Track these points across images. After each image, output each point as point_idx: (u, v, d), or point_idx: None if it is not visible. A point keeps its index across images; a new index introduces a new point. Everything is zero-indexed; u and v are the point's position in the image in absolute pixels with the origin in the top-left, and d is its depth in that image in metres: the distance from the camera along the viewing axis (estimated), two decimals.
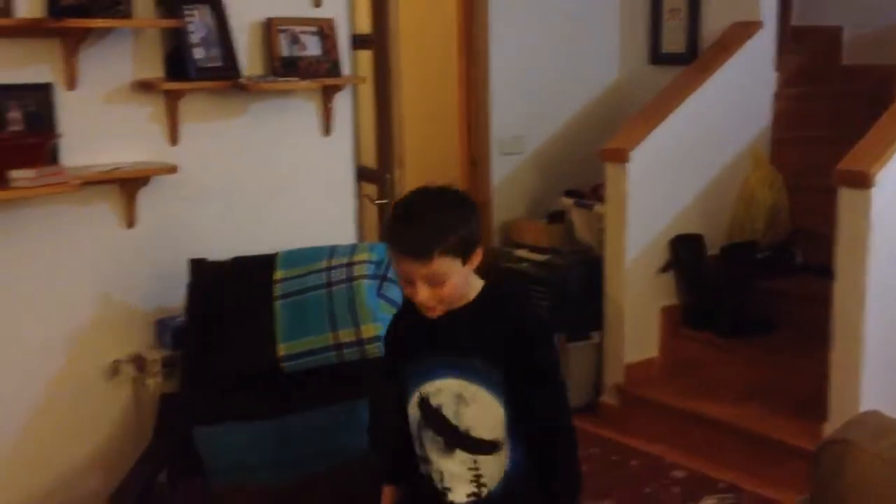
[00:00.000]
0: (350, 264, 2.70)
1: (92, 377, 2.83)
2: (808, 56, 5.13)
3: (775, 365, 3.90)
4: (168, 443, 2.56)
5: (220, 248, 2.97)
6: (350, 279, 2.66)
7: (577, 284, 4.30)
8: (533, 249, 4.55)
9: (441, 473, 1.80)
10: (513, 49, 4.67)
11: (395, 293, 2.70)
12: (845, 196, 3.22)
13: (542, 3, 4.77)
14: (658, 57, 5.04)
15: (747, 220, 4.40)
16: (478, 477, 1.78)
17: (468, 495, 1.79)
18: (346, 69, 3.31)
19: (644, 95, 4.64)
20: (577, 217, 4.47)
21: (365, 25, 3.72)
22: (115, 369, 2.84)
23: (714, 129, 4.38)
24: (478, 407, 1.75)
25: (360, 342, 2.60)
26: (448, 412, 1.78)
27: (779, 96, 4.71)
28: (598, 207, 4.32)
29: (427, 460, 1.82)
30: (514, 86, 4.72)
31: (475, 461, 1.78)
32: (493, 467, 1.78)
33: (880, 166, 3.17)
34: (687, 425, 3.83)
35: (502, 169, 4.78)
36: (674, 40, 4.98)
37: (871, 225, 3.15)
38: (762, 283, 4.16)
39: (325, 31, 3.25)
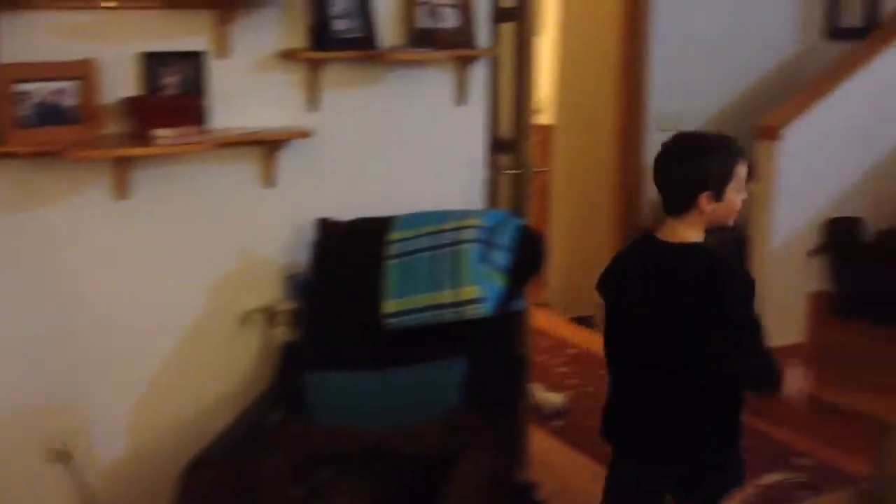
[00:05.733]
0: (459, 228, 2.81)
1: (227, 324, 3.08)
2: None
3: None
4: (282, 386, 2.77)
5: (353, 211, 3.15)
6: (456, 243, 2.76)
7: None
8: None
9: None
10: (678, 23, 4.59)
11: (500, 259, 2.78)
12: None
13: None
14: (834, 31, 4.81)
15: None
16: None
17: None
18: (483, 41, 3.39)
19: (818, 72, 4.45)
20: None
21: None
22: (247, 318, 3.08)
23: (884, 108, 4.15)
24: None
25: (459, 303, 2.70)
26: None
27: None
28: (749, 186, 4.19)
29: None
30: (677, 61, 4.65)
31: None
32: None
33: None
34: (823, 415, 3.69)
35: (658, 145, 4.70)
36: (852, 14, 4.75)
37: None
38: None
39: (462, 3, 3.34)
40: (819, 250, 4.04)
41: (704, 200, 2.13)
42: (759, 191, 4.02)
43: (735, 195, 2.16)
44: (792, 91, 4.55)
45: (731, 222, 2.20)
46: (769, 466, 3.46)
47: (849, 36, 4.62)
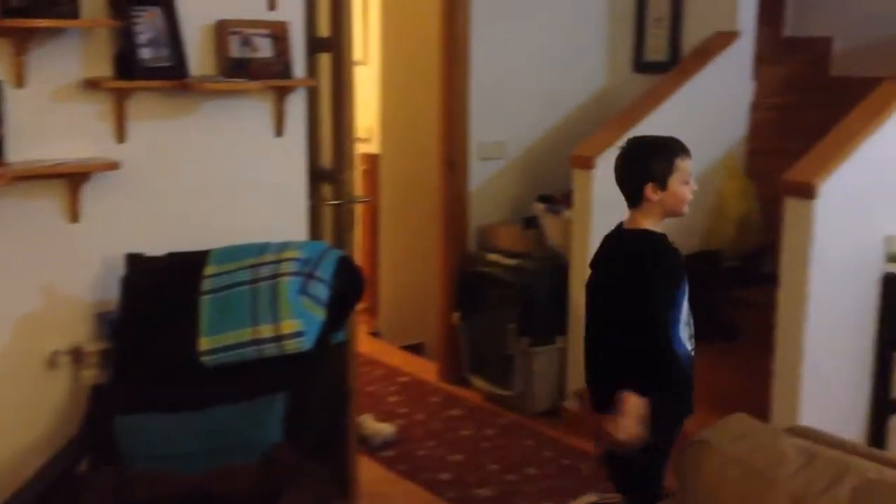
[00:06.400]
0: (277, 261, 2.75)
1: (31, 368, 2.90)
2: (796, 66, 5.11)
3: (735, 373, 3.89)
4: (91, 432, 2.62)
5: (168, 246, 3.04)
6: (275, 276, 2.71)
7: (545, 289, 4.32)
8: (507, 254, 4.58)
9: None
10: (497, 56, 4.71)
11: (319, 291, 2.74)
12: (790, 206, 3.21)
13: (528, 10, 4.81)
14: (642, 65, 5.05)
15: (717, 230, 4.39)
16: None
17: None
18: (299, 72, 3.36)
19: (628, 102, 4.65)
20: (549, 222, 4.49)
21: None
22: (53, 360, 2.91)
23: (686, 138, 4.35)
24: None
25: (278, 338, 2.65)
26: None
27: (758, 106, 4.69)
28: (567, 213, 4.33)
29: None
30: (497, 92, 4.76)
31: None
32: None
33: (825, 177, 3.15)
34: None
35: (481, 174, 4.81)
36: (657, 49, 4.99)
37: (813, 235, 3.13)
38: (729, 293, 4.15)
39: (278, 33, 3.30)
40: None
41: (650, 190, 2.49)
42: (577, 218, 4.15)
43: (679, 186, 2.50)
44: (605, 121, 4.75)
45: (682, 211, 2.55)
46: (585, 487, 3.55)
47: (654, 69, 4.86)
